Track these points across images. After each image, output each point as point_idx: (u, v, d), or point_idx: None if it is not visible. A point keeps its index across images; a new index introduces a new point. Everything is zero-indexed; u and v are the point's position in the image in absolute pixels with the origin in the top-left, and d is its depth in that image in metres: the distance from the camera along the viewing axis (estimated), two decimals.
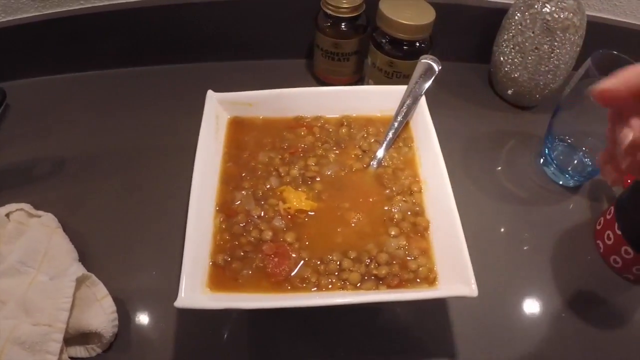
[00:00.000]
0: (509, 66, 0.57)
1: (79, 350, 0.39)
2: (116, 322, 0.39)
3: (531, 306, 0.43)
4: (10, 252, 0.42)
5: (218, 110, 0.45)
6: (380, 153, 0.44)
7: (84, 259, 0.43)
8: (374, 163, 0.44)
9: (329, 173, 0.43)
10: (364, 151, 0.44)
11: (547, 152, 0.53)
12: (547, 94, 0.58)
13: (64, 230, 0.45)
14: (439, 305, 0.42)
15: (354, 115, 0.47)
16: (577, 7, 0.52)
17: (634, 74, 0.25)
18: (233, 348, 0.40)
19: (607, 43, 0.47)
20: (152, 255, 0.44)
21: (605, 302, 0.44)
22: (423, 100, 0.45)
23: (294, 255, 0.37)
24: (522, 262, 0.46)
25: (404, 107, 0.45)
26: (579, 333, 0.41)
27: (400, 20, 0.50)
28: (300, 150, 0.44)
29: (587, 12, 0.54)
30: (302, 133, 0.46)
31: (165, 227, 0.46)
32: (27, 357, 0.36)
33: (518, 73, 0.57)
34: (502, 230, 0.49)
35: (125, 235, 0.46)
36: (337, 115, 0.47)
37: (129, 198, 0.49)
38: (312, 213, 0.40)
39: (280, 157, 0.44)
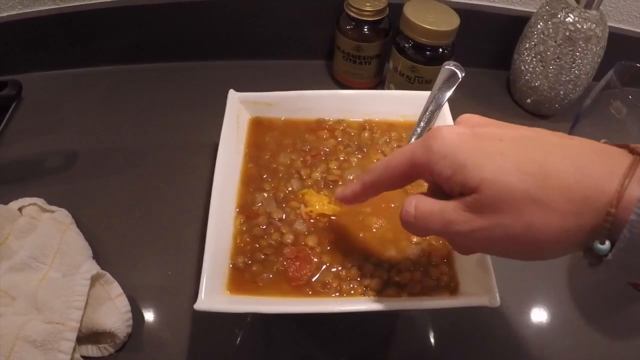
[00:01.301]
0: (529, 75, 0.57)
1: (91, 350, 0.38)
2: (130, 322, 0.39)
3: (548, 316, 0.43)
4: (21, 247, 0.41)
5: (239, 110, 0.45)
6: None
7: (96, 256, 0.43)
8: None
9: (351, 177, 0.42)
10: (386, 156, 0.44)
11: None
12: (566, 104, 0.58)
13: (77, 226, 0.44)
14: (454, 314, 0.42)
15: (376, 119, 0.47)
16: (599, 18, 0.52)
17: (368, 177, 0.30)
18: (247, 350, 0.39)
19: (627, 54, 0.47)
20: (167, 255, 0.44)
21: (621, 313, 0.44)
22: (446, 107, 0.45)
23: (315, 259, 0.37)
24: (538, 273, 0.46)
25: (427, 113, 0.44)
26: (596, 344, 0.41)
27: (424, 25, 0.49)
28: (322, 153, 0.44)
29: (609, 23, 0.54)
30: (324, 136, 0.45)
31: (181, 227, 0.45)
32: (39, 355, 0.35)
33: (538, 82, 0.56)
34: None
35: (139, 233, 0.45)
36: (359, 119, 0.47)
37: (144, 195, 0.48)
38: (334, 217, 0.39)
39: (301, 159, 0.43)
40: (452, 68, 0.45)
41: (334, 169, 0.42)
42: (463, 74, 0.45)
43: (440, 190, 0.26)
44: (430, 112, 0.44)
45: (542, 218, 0.22)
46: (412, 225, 0.27)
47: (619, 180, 0.21)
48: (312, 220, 0.39)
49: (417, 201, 0.26)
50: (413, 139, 0.44)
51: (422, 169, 0.26)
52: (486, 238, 0.24)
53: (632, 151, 0.22)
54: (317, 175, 0.42)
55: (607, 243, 0.22)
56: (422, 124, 0.44)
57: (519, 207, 0.22)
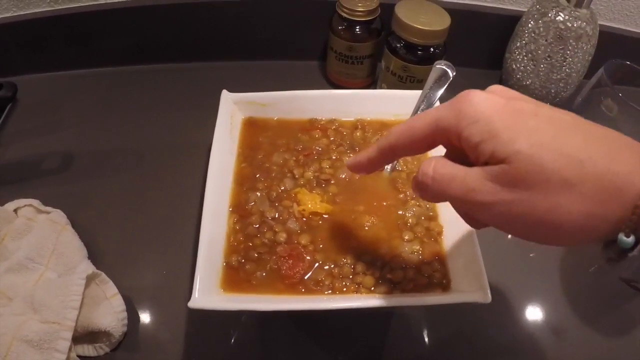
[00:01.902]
0: (520, 73, 0.57)
1: (87, 349, 0.38)
2: (126, 322, 0.39)
3: (541, 314, 0.43)
4: (18, 248, 0.41)
5: (233, 110, 0.45)
6: None
7: (92, 256, 0.43)
8: (388, 167, 0.43)
9: (343, 176, 0.43)
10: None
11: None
12: (558, 102, 0.58)
13: (73, 227, 0.44)
14: (449, 311, 0.42)
15: (369, 118, 0.47)
16: (590, 16, 0.52)
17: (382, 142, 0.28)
18: (242, 349, 0.39)
19: (618, 52, 0.47)
20: (162, 255, 0.44)
21: (615, 310, 0.44)
22: (437, 104, 0.45)
23: (308, 257, 0.37)
24: (531, 270, 0.46)
25: (419, 112, 0.45)
26: (588, 341, 0.41)
27: (416, 25, 0.50)
28: (314, 152, 0.44)
29: (600, 22, 0.55)
30: (317, 135, 0.45)
31: (176, 226, 0.46)
32: (35, 354, 0.35)
33: (530, 80, 0.57)
34: (511, 237, 0.49)
35: (134, 234, 0.46)
36: (352, 119, 0.47)
37: (139, 196, 0.49)
38: (327, 216, 0.40)
39: (294, 158, 0.43)
40: (443, 67, 0.45)
41: (327, 167, 0.43)
42: (454, 73, 0.45)
43: (461, 157, 0.24)
44: (421, 111, 0.45)
45: (569, 201, 0.21)
46: (428, 187, 0.25)
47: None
48: (304, 219, 0.39)
49: (437, 163, 0.25)
50: None
51: (449, 133, 0.24)
52: (507, 212, 0.23)
53: None
54: (309, 174, 0.42)
55: (632, 237, 0.21)
56: None
57: (549, 186, 0.21)
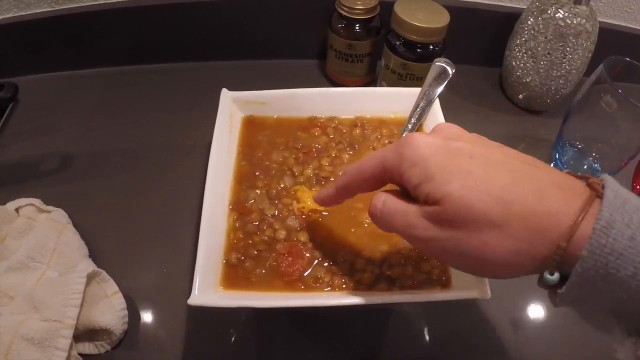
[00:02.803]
0: (520, 71, 0.57)
1: (87, 347, 0.38)
2: (126, 320, 0.39)
3: (540, 310, 0.43)
4: (19, 247, 0.42)
5: (232, 109, 0.45)
6: None
7: (93, 255, 0.43)
8: None
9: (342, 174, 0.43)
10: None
11: (557, 157, 0.53)
12: (558, 99, 0.58)
13: (73, 226, 0.44)
14: (448, 308, 0.42)
15: (368, 116, 0.47)
16: (589, 13, 0.52)
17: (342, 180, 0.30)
18: (242, 347, 0.39)
19: (618, 49, 0.47)
20: (162, 253, 0.44)
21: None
22: (437, 104, 0.45)
23: (307, 254, 0.37)
24: None
25: (418, 110, 0.45)
26: (585, 337, 0.41)
27: (414, 23, 0.50)
28: (314, 150, 0.44)
29: (599, 19, 0.55)
30: (316, 133, 0.45)
31: (176, 225, 0.46)
32: (36, 352, 0.35)
33: (530, 78, 0.57)
34: None
35: (135, 232, 0.46)
36: (351, 116, 0.47)
37: (139, 195, 0.49)
38: (326, 213, 0.40)
39: (294, 156, 0.44)
40: (443, 65, 0.45)
41: (326, 165, 0.43)
42: (453, 71, 0.45)
43: (407, 193, 0.27)
44: (421, 109, 0.45)
45: (496, 240, 0.23)
46: (377, 219, 0.28)
47: (574, 216, 0.22)
48: (304, 217, 0.39)
49: (386, 198, 0.27)
50: (404, 136, 0.45)
51: (392, 174, 0.26)
52: (440, 247, 0.25)
53: (589, 185, 0.23)
54: (309, 172, 0.42)
55: (557, 275, 0.23)
56: (413, 120, 0.45)
57: (476, 226, 0.23)
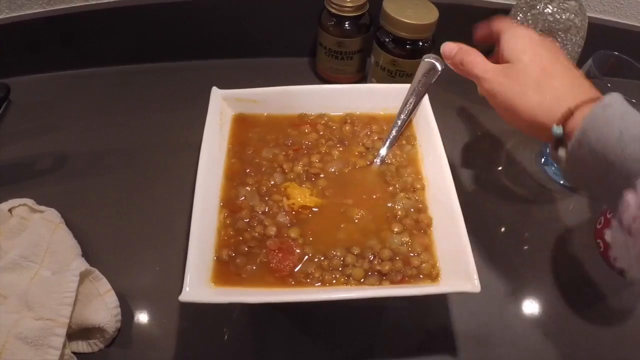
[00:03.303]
0: None
1: (81, 346, 0.39)
2: (119, 317, 0.39)
3: (531, 304, 0.43)
4: (12, 247, 0.42)
5: (222, 107, 0.45)
6: (383, 151, 0.44)
7: (86, 254, 0.43)
8: (377, 160, 0.44)
9: (332, 170, 0.43)
10: (367, 149, 0.45)
11: (547, 151, 0.53)
12: None
13: (67, 226, 0.45)
14: (441, 303, 0.42)
15: (358, 113, 0.47)
16: (578, 8, 0.52)
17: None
18: (235, 345, 0.40)
19: (608, 44, 0.47)
20: (155, 251, 0.45)
21: (605, 300, 0.44)
22: (426, 99, 0.45)
23: (298, 250, 0.37)
24: (522, 261, 0.46)
25: (408, 105, 0.45)
26: (579, 331, 0.42)
27: (403, 20, 0.50)
28: (304, 147, 0.44)
29: (589, 14, 0.55)
30: (306, 130, 0.46)
31: (168, 224, 0.46)
32: (30, 351, 0.36)
33: None
34: (503, 229, 0.49)
35: (128, 231, 0.46)
36: (341, 113, 0.47)
37: (132, 194, 0.49)
38: (316, 209, 0.40)
39: (284, 153, 0.44)
40: (432, 61, 0.46)
41: (316, 162, 0.43)
42: (443, 67, 0.45)
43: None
44: (411, 104, 0.45)
45: (533, 93, 0.33)
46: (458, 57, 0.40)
47: (585, 97, 0.31)
48: (294, 213, 0.40)
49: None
50: (394, 132, 0.45)
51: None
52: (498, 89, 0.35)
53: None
54: (299, 168, 0.42)
55: (561, 129, 0.31)
56: (402, 115, 0.45)
57: (526, 83, 0.34)
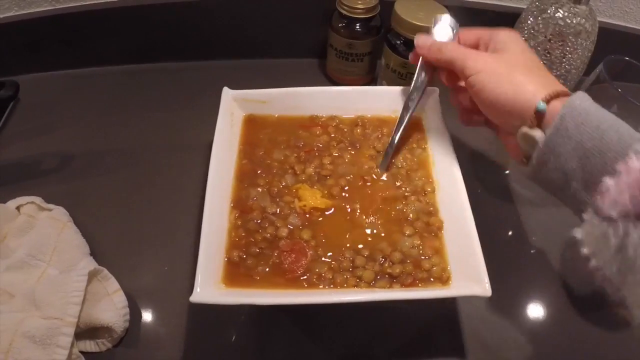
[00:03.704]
0: None
1: (88, 345, 0.38)
2: (127, 317, 0.39)
3: (540, 308, 0.43)
4: (20, 245, 0.42)
5: (233, 107, 0.45)
6: (396, 136, 0.43)
7: (94, 253, 0.43)
8: (390, 150, 0.43)
9: (344, 172, 0.43)
10: (378, 152, 0.44)
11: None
12: None
13: (75, 224, 0.44)
14: (448, 306, 0.42)
15: (369, 115, 0.47)
16: (589, 12, 0.52)
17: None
18: (243, 346, 0.40)
19: (617, 49, 0.47)
20: (163, 251, 0.44)
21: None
22: (437, 103, 0.45)
23: (310, 252, 0.37)
24: (530, 264, 0.46)
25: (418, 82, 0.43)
26: (585, 335, 0.42)
27: (414, 22, 0.50)
28: (315, 149, 0.44)
29: (599, 18, 0.55)
30: (317, 132, 0.46)
31: (177, 224, 0.46)
32: (37, 350, 0.35)
33: None
34: (511, 232, 0.49)
35: (136, 231, 0.46)
36: (352, 116, 0.47)
37: (140, 194, 0.49)
38: (328, 212, 0.40)
39: (295, 155, 0.44)
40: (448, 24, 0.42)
41: (327, 164, 0.43)
42: (457, 30, 0.43)
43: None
44: (421, 83, 0.43)
45: (507, 84, 0.34)
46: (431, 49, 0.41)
47: (558, 88, 0.33)
48: (306, 215, 0.40)
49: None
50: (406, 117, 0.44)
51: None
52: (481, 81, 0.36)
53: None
54: (310, 170, 0.42)
55: (545, 105, 0.32)
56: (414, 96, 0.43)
57: (503, 71, 0.35)
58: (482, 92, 0.35)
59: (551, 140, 0.31)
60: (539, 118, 0.32)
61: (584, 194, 0.30)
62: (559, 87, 0.33)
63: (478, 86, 0.35)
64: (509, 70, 0.35)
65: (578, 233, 0.30)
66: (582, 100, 0.31)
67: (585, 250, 0.29)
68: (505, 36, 0.37)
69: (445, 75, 0.41)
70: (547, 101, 0.32)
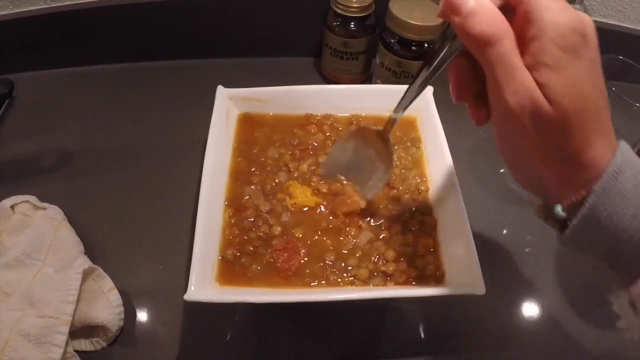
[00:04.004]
0: None
1: (83, 344, 0.38)
2: (122, 316, 0.39)
3: (535, 307, 0.43)
4: (15, 244, 0.42)
5: (228, 106, 0.45)
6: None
7: (89, 252, 0.43)
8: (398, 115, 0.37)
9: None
10: None
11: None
12: None
13: (70, 223, 0.44)
14: (444, 305, 0.42)
15: (364, 114, 0.47)
16: (583, 12, 0.52)
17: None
18: (238, 343, 0.40)
19: (612, 48, 0.47)
20: (158, 250, 0.44)
21: (609, 303, 0.44)
22: (431, 101, 0.45)
23: (303, 250, 0.37)
24: (526, 263, 0.46)
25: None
26: (581, 333, 0.42)
27: (409, 21, 0.50)
28: (310, 147, 0.44)
29: (593, 18, 0.55)
30: (312, 131, 0.46)
31: (172, 222, 0.46)
32: (32, 349, 0.35)
33: None
34: (506, 231, 0.49)
35: (131, 230, 0.46)
36: (347, 114, 0.47)
37: (135, 192, 0.49)
38: (321, 209, 0.40)
39: (290, 153, 0.44)
40: None
41: (323, 161, 0.43)
42: None
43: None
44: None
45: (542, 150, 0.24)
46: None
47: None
48: (298, 212, 0.40)
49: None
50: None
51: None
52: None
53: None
54: (304, 167, 0.42)
55: (564, 213, 0.26)
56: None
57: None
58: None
59: (576, 233, 0.25)
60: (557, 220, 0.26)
61: (616, 274, 0.26)
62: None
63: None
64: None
65: (615, 306, 0.27)
66: (617, 176, 0.23)
67: (620, 323, 0.27)
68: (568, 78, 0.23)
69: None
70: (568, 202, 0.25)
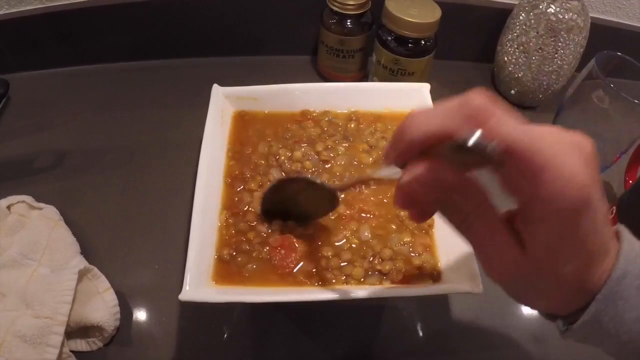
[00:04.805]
0: (512, 66, 0.57)
1: (79, 344, 0.38)
2: (118, 316, 0.39)
3: None
4: (11, 244, 0.41)
5: (224, 104, 0.45)
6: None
7: (85, 252, 0.43)
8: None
9: (342, 163, 0.42)
10: (371, 147, 0.44)
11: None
12: (550, 95, 0.59)
13: (65, 223, 0.44)
14: (441, 304, 0.42)
15: (362, 111, 0.47)
16: (581, 8, 0.52)
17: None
18: (235, 343, 0.40)
19: (610, 44, 0.47)
20: (154, 250, 0.44)
21: None
22: (428, 97, 0.45)
23: (299, 248, 0.37)
24: None
25: None
26: None
27: (406, 18, 0.50)
28: (304, 139, 0.44)
29: (591, 14, 0.55)
30: (309, 125, 0.45)
31: (168, 222, 0.46)
32: (28, 349, 0.35)
33: (522, 73, 0.57)
34: None
35: (127, 229, 0.46)
36: (345, 111, 0.47)
37: (131, 192, 0.49)
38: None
39: (281, 145, 0.43)
40: None
41: (321, 150, 0.43)
42: None
43: None
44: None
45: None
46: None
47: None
48: None
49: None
50: None
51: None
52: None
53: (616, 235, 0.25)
54: (299, 154, 0.42)
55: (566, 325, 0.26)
56: None
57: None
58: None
59: (579, 335, 0.26)
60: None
61: None
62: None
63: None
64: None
65: None
66: (620, 281, 0.23)
67: None
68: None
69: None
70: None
